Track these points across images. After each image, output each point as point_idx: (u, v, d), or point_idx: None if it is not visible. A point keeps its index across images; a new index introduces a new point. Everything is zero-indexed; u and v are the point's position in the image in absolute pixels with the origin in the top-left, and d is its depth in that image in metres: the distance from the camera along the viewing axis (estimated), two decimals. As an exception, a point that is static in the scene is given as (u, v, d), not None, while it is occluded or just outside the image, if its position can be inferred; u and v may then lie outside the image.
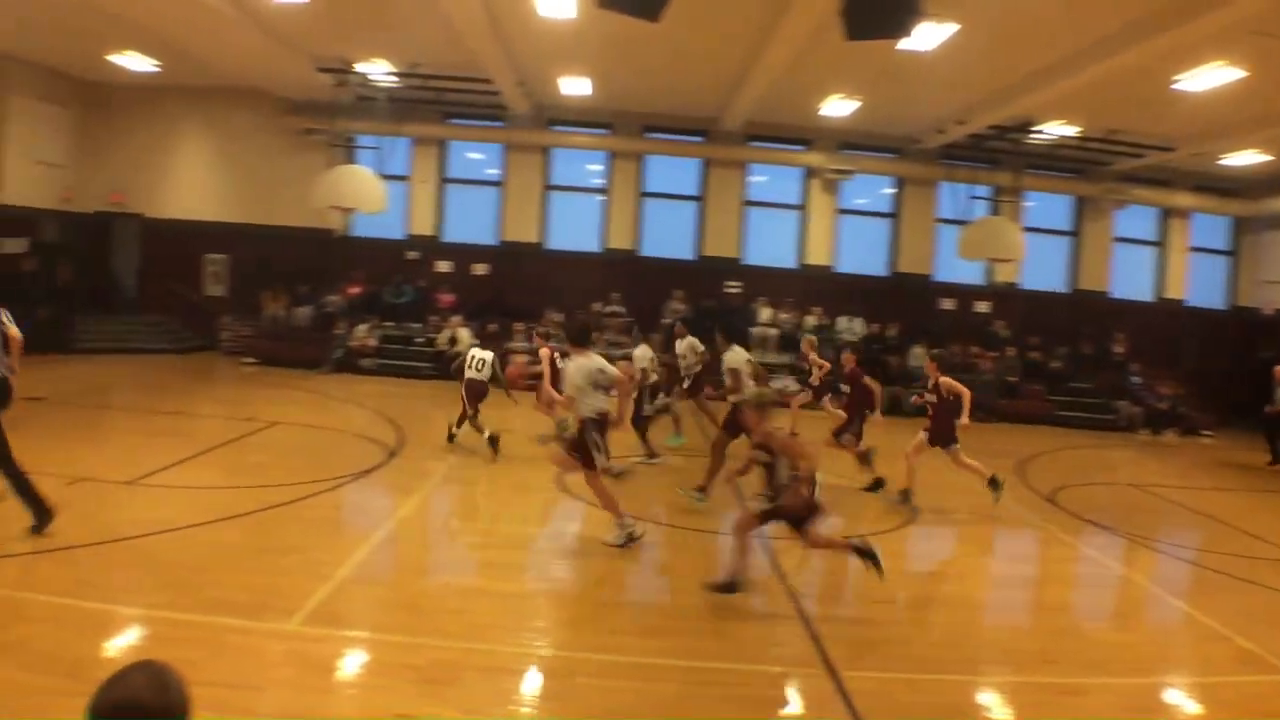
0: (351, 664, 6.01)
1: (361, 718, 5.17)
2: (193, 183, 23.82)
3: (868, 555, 7.69)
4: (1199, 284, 24.65)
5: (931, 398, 11.36)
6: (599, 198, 23.95)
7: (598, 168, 23.97)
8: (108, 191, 23.40)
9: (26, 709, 4.93)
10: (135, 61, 20.13)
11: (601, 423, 8.90)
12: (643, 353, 14.12)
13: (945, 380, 11.22)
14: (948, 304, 23.79)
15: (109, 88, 22.95)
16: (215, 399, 17.15)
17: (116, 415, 13.35)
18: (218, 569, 7.41)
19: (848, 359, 12.98)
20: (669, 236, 23.75)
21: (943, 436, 11.24)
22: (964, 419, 10.98)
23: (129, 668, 2.21)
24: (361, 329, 21.33)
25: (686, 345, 14.18)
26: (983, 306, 23.73)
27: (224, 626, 6.19)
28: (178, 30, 17.22)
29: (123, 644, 6.06)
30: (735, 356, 12.83)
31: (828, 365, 14.93)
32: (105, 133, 23.37)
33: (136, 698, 2.13)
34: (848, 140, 23.02)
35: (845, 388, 13.29)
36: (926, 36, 13.83)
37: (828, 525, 7.95)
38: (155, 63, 20.24)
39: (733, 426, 10.80)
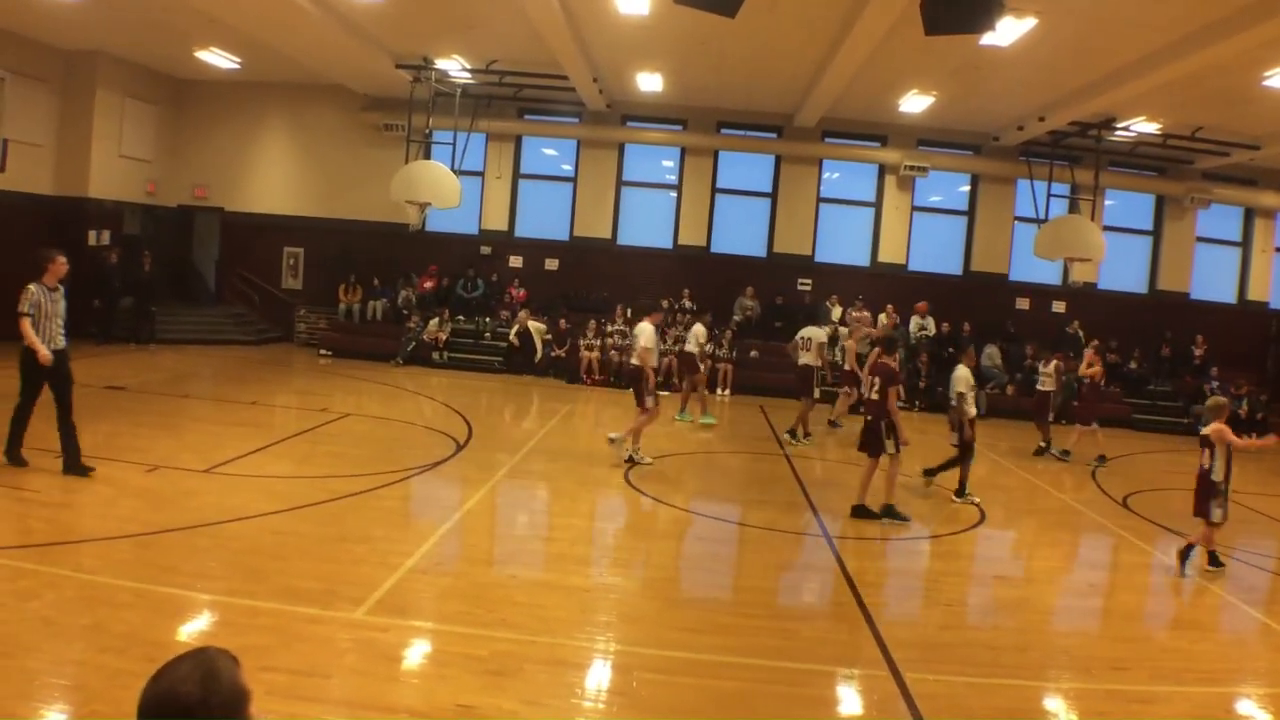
0: (416, 654, 6.13)
1: (424, 707, 5.24)
2: (272, 177, 24.37)
3: None
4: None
5: None
6: (671, 194, 23.94)
7: (670, 164, 23.96)
8: (190, 186, 24.06)
9: (103, 690, 5.09)
10: (220, 59, 20.66)
11: None
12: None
13: None
14: (1023, 304, 23.38)
15: (194, 84, 23.68)
16: (290, 390, 17.48)
17: (194, 405, 13.65)
18: (289, 557, 7.61)
19: None
20: (741, 233, 23.67)
21: None
22: None
23: (179, 657, 2.10)
24: (433, 323, 21.59)
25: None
26: (1059, 307, 23.28)
27: (294, 614, 6.36)
28: (261, 27, 17.59)
29: (196, 629, 6.24)
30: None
31: None
32: (189, 128, 24.08)
33: (175, 690, 2.01)
34: (924, 136, 22.75)
35: None
36: (1007, 31, 13.58)
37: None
38: (237, 59, 20.77)
39: None
